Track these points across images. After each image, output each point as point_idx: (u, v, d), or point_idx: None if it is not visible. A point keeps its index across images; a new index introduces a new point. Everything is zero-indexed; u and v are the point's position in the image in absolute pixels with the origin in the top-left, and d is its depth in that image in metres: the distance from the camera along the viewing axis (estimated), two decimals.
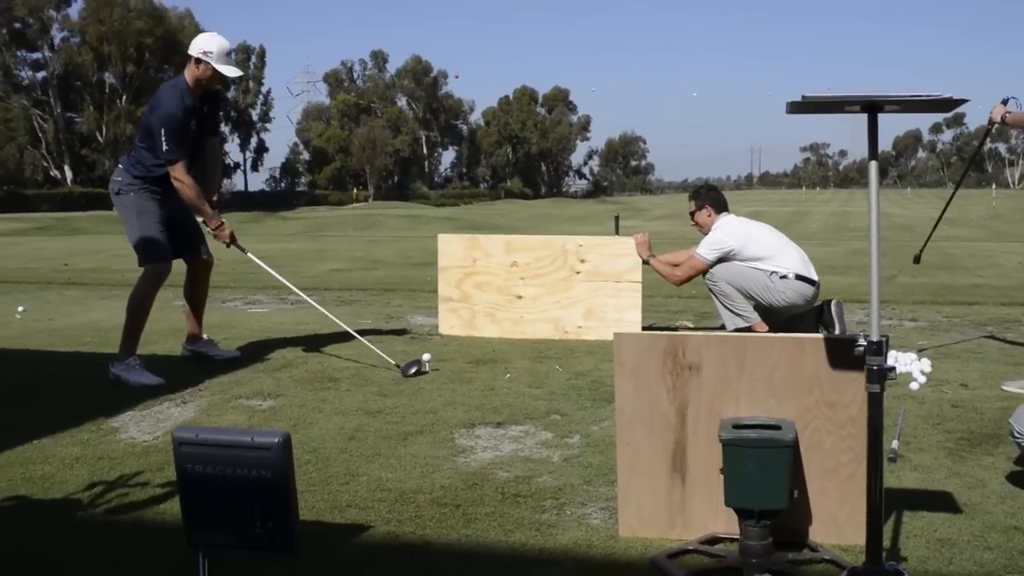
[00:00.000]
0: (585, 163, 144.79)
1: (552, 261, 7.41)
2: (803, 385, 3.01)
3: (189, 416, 5.02)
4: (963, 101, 2.25)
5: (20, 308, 9.16)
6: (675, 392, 3.10)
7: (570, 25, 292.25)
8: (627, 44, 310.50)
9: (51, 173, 72.85)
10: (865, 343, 2.48)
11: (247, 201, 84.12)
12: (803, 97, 2.29)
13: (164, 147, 5.95)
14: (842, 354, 2.91)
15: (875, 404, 2.48)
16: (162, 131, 5.96)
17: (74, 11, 73.91)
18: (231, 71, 6.21)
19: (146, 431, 4.74)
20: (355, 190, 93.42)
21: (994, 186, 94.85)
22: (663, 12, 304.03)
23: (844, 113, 2.41)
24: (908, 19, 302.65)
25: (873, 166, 2.38)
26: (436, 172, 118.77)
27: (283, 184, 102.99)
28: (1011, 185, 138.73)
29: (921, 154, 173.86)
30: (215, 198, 6.51)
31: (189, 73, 6.11)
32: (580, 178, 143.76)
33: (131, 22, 72.27)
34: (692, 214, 7.21)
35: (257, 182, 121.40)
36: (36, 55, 74.53)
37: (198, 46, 6.09)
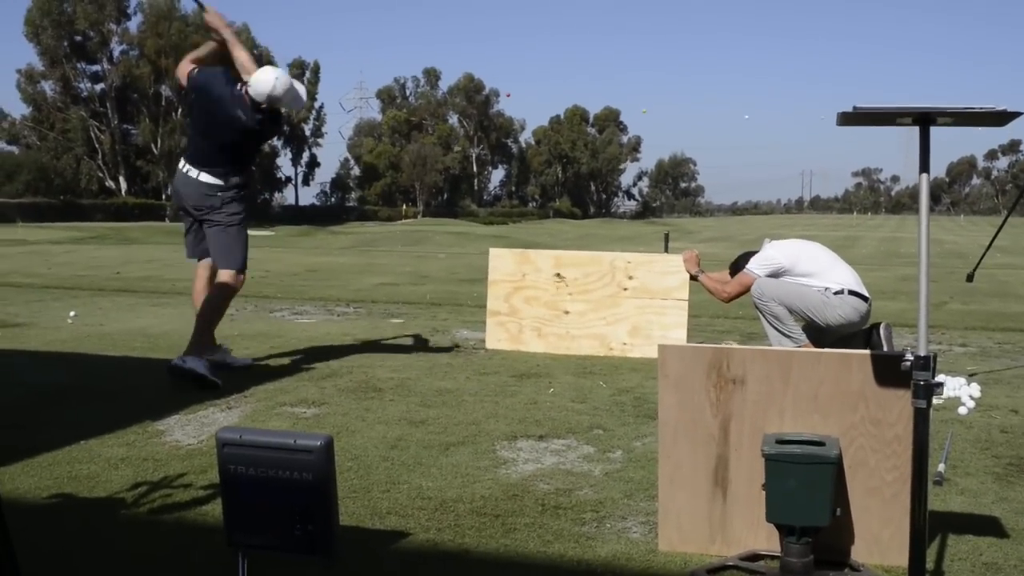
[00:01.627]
0: (635, 184, 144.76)
1: (600, 277, 7.41)
2: (848, 402, 2.98)
3: (233, 421, 5.06)
4: (1018, 114, 2.22)
5: (72, 313, 9.29)
6: (719, 406, 3.08)
7: (622, 45, 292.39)
8: (679, 65, 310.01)
9: (106, 184, 73.88)
10: (912, 358, 2.45)
11: (298, 215, 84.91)
12: (854, 108, 2.27)
13: None
14: (888, 371, 2.88)
15: (921, 420, 2.45)
16: None
17: (133, 24, 74.95)
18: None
19: (191, 435, 4.78)
20: (404, 206, 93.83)
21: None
22: (715, 34, 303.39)
23: (896, 125, 2.38)
24: (964, 49, 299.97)
25: (924, 179, 2.36)
26: (485, 190, 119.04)
27: (334, 199, 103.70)
28: None
29: (975, 181, 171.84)
30: None
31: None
32: (629, 199, 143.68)
33: (188, 36, 73.08)
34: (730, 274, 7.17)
35: (308, 196, 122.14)
36: (95, 67, 75.68)
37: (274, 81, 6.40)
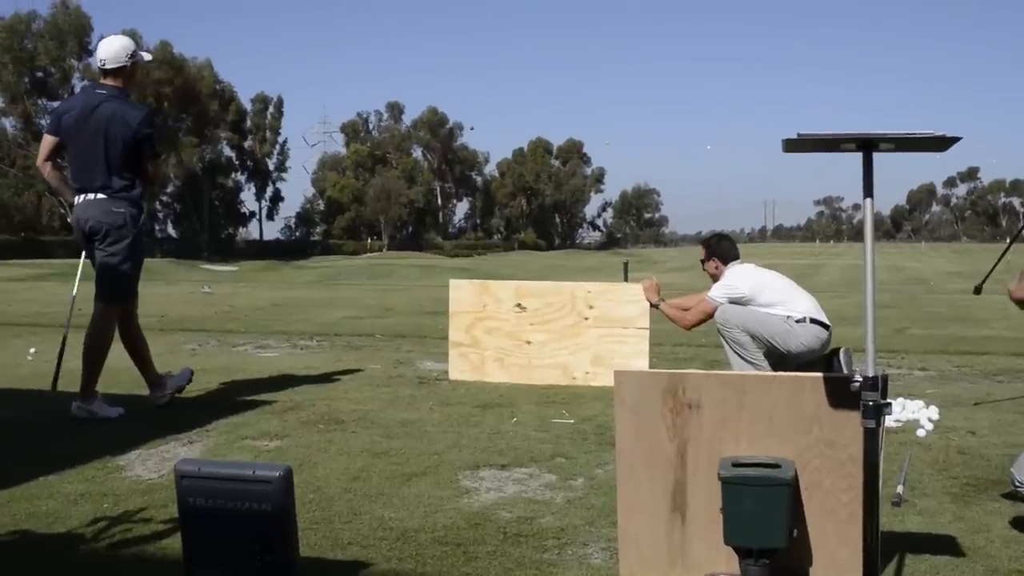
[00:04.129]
0: (599, 215, 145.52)
1: (561, 307, 7.44)
2: (802, 424, 3.02)
3: (195, 455, 5.04)
4: (956, 140, 2.28)
5: (32, 350, 9.22)
6: (675, 430, 3.11)
7: (585, 77, 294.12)
8: (642, 97, 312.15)
9: (68, 219, 73.27)
10: (860, 379, 2.49)
11: (262, 250, 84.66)
12: (798, 135, 2.32)
13: (157, 148, 6.27)
14: (841, 393, 2.92)
15: (871, 440, 2.49)
16: (154, 133, 6.22)
17: (95, 61, 74.68)
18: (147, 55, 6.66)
19: (152, 469, 4.76)
20: (369, 240, 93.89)
21: (1008, 241, 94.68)
22: (678, 63, 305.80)
23: (840, 151, 2.43)
24: (929, 73, 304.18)
25: (868, 204, 2.41)
26: (450, 223, 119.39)
27: (298, 233, 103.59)
28: None
29: (935, 208, 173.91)
30: None
31: (124, 81, 6.17)
32: (594, 230, 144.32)
33: (151, 72, 73.01)
34: (702, 261, 7.26)
35: (272, 231, 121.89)
36: (56, 103, 75.33)
37: (124, 51, 6.14)
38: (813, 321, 6.83)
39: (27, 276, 37.17)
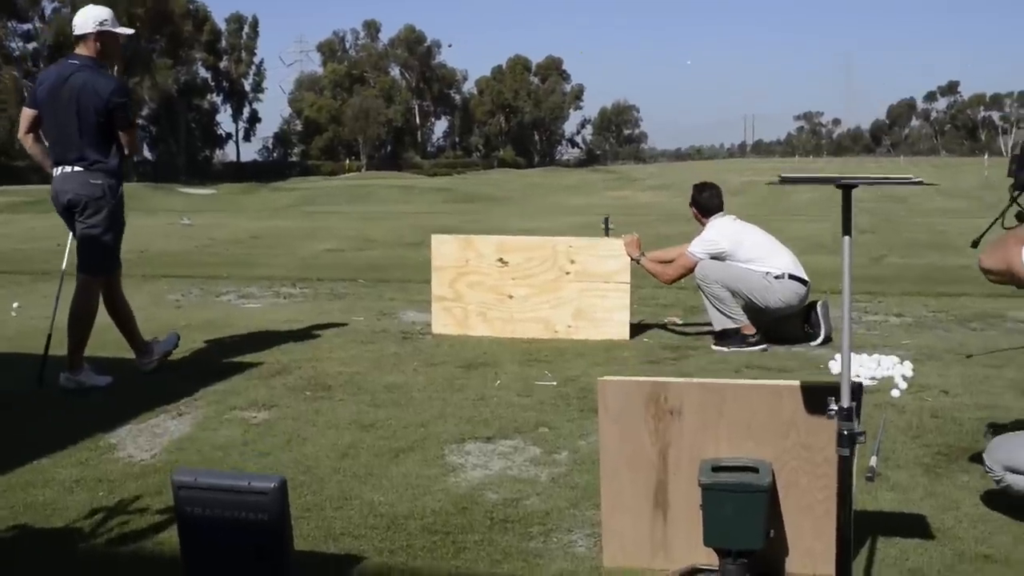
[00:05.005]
0: (578, 132, 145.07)
1: (542, 262, 7.52)
2: (780, 429, 3.12)
3: (184, 429, 5.13)
4: (931, 184, 2.35)
5: (15, 304, 9.24)
6: (657, 435, 3.21)
7: None
8: (621, 12, 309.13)
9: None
10: (836, 408, 2.58)
11: (239, 171, 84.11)
12: (780, 179, 2.39)
13: (131, 117, 6.22)
14: (816, 402, 3.02)
15: (845, 466, 2.59)
16: (127, 102, 6.19)
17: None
18: (126, 29, 6.52)
19: (143, 447, 4.85)
20: (348, 160, 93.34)
21: (987, 155, 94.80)
22: None
23: (822, 184, 2.50)
24: None
25: (846, 242, 2.48)
26: (429, 142, 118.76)
27: (276, 154, 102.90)
28: (1004, 153, 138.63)
29: (915, 122, 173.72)
30: None
31: (96, 51, 6.09)
32: (573, 147, 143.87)
33: None
34: (691, 204, 7.43)
35: (250, 152, 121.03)
36: (27, 26, 74.33)
37: (92, 20, 6.07)
38: (792, 277, 6.96)
39: (2, 206, 36.91)
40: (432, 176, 79.08)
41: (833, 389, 2.87)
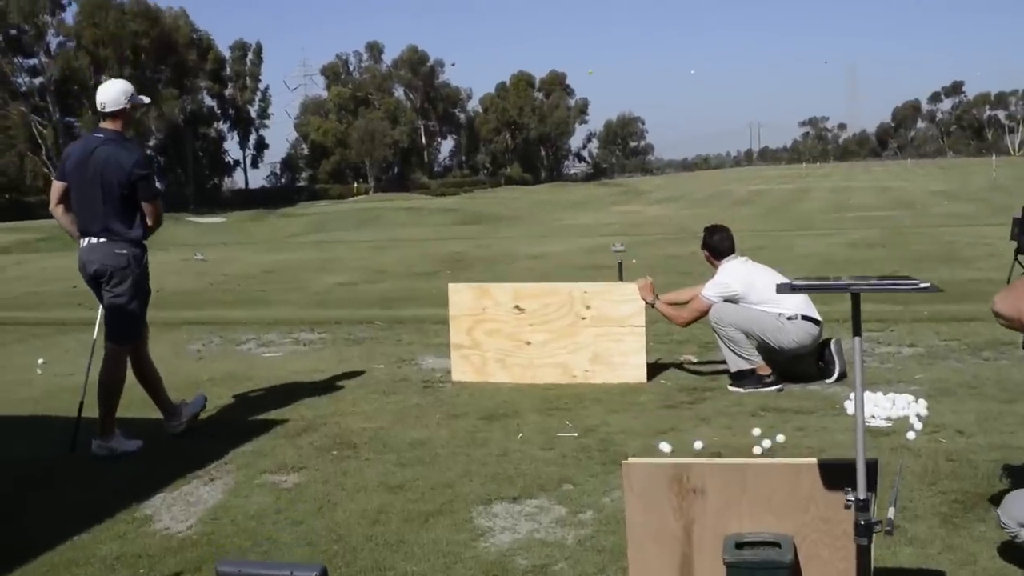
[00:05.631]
0: (584, 146, 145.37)
1: (558, 308, 7.64)
2: (800, 504, 3.23)
3: (218, 498, 5.25)
4: (938, 290, 2.46)
5: (40, 361, 9.38)
6: (681, 511, 3.32)
7: (565, 7, 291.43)
8: (622, 24, 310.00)
9: (51, 178, 73.09)
10: (853, 500, 2.70)
11: (248, 199, 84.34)
12: (792, 287, 2.51)
13: (157, 184, 6.41)
14: (834, 478, 3.13)
15: (863, 555, 2.70)
16: (151, 174, 6.35)
17: (69, 15, 73.96)
18: (145, 98, 6.66)
19: (179, 518, 4.97)
20: (355, 183, 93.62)
21: (994, 155, 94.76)
22: None
23: (832, 291, 2.62)
24: None
25: (857, 343, 2.60)
26: (436, 161, 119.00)
27: (284, 180, 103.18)
28: (1011, 152, 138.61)
29: (920, 124, 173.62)
30: None
31: (122, 124, 6.30)
32: (580, 161, 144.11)
33: (126, 24, 72.45)
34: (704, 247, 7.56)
35: (258, 179, 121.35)
36: (32, 61, 74.80)
37: (123, 94, 6.25)
38: (804, 317, 7.08)
39: (14, 244, 37.21)
40: (440, 196, 79.43)
41: (849, 468, 2.98)
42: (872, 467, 2.98)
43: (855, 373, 2.64)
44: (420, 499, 5.08)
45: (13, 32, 71.99)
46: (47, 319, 13.18)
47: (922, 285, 2.47)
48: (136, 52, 73.46)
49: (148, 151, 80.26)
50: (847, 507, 2.74)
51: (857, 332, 2.58)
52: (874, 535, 2.86)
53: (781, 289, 2.62)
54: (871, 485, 2.87)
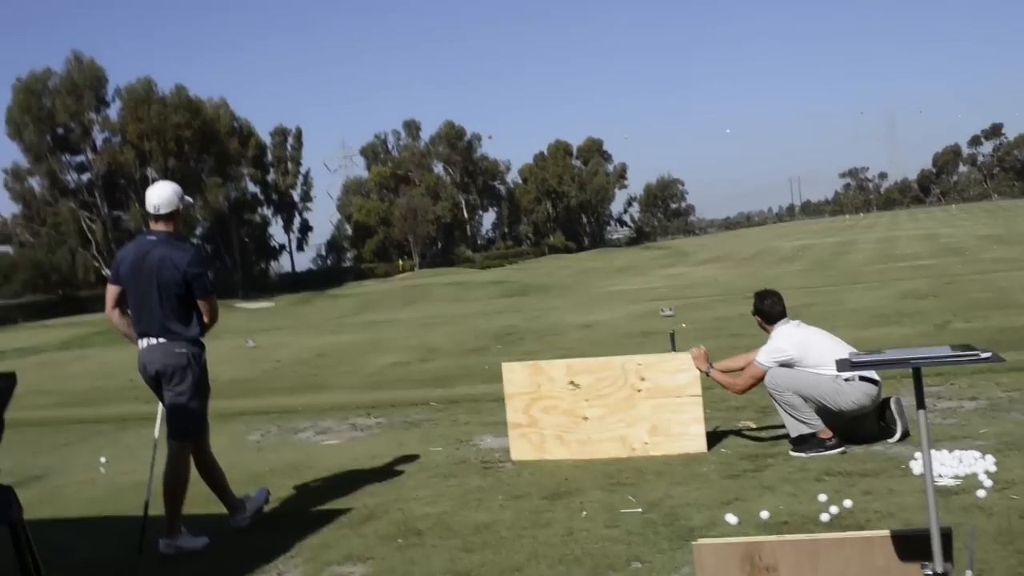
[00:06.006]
0: (625, 211, 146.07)
1: (613, 381, 7.64)
2: None
3: None
4: (999, 360, 2.46)
5: (103, 459, 9.49)
6: None
7: (596, 73, 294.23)
8: (655, 87, 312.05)
9: (103, 272, 74.28)
10: (931, 574, 2.68)
11: (295, 282, 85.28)
12: (852, 364, 2.52)
13: (209, 286, 6.37)
14: (909, 549, 3.11)
15: None
16: (206, 272, 6.39)
17: (113, 112, 75.74)
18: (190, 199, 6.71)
19: None
20: (400, 261, 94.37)
21: None
22: (687, 51, 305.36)
23: (892, 368, 2.62)
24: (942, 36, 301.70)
25: (922, 415, 2.59)
26: (479, 234, 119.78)
27: (329, 261, 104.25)
28: None
29: (962, 168, 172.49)
30: None
31: (174, 225, 6.43)
32: (622, 226, 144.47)
33: (168, 117, 73.97)
34: (756, 314, 7.52)
35: (304, 261, 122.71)
36: (80, 158, 76.51)
37: (176, 196, 6.41)
38: (862, 378, 7.02)
39: (72, 339, 37.79)
40: (485, 268, 79.77)
41: (923, 539, 2.96)
42: (947, 537, 2.96)
43: (922, 447, 2.63)
44: None
45: (60, 131, 73.76)
46: (108, 415, 13.35)
47: (983, 356, 2.47)
48: (179, 143, 74.90)
49: (195, 240, 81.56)
50: None
51: (921, 405, 2.58)
52: None
53: (841, 367, 2.62)
54: (947, 555, 2.84)
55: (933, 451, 6.15)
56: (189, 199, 6.67)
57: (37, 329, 47.35)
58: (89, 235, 74.77)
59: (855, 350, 7.14)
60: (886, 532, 3.21)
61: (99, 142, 76.28)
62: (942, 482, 5.98)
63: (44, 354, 30.73)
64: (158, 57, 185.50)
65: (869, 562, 3.22)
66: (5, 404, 2.46)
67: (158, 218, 6.39)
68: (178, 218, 6.45)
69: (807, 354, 7.11)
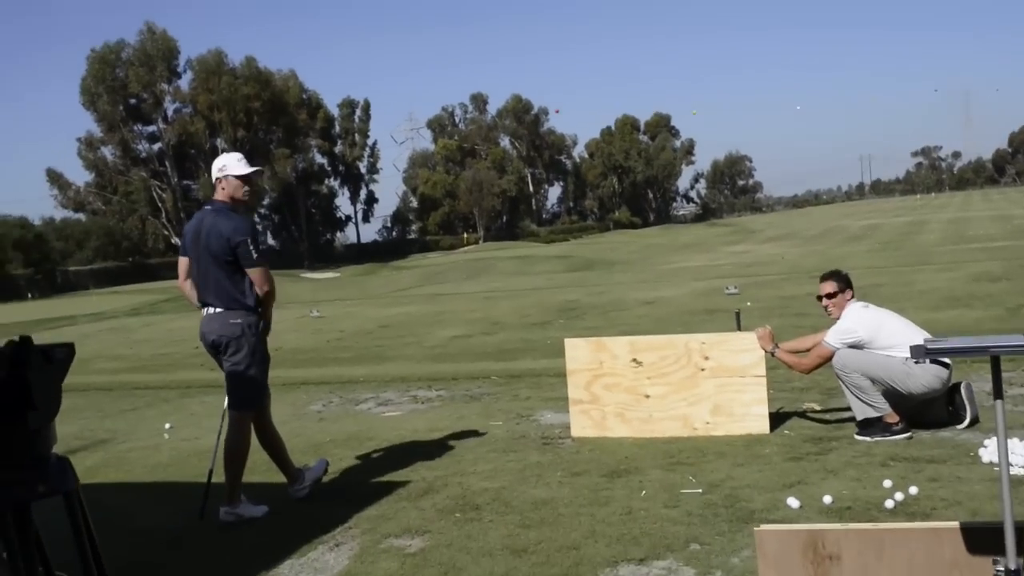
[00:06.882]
0: (692, 187, 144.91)
1: (676, 360, 7.55)
2: (942, 570, 3.12)
3: (344, 564, 5.27)
4: None
5: (167, 426, 9.61)
6: None
7: (665, 48, 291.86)
8: (725, 63, 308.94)
9: (172, 241, 75.43)
10: (1003, 569, 2.59)
11: (361, 253, 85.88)
12: (926, 350, 2.43)
13: (255, 255, 6.24)
14: (979, 543, 3.01)
15: None
16: (248, 240, 6.22)
17: (184, 82, 76.66)
18: (248, 168, 6.49)
19: None
20: (465, 234, 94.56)
21: None
22: (758, 28, 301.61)
23: (970, 355, 2.53)
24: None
25: (999, 406, 2.50)
26: (544, 208, 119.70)
27: (395, 233, 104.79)
28: None
29: None
30: None
31: (218, 194, 6.41)
32: (688, 202, 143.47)
33: (238, 88, 74.71)
34: (827, 296, 7.28)
35: (370, 233, 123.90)
36: (151, 128, 77.77)
37: (216, 169, 6.44)
38: (933, 361, 6.85)
39: (141, 305, 38.39)
40: (549, 243, 79.64)
41: (995, 532, 2.87)
42: (1021, 531, 2.86)
43: (999, 438, 2.54)
44: (546, 562, 5.03)
45: (133, 101, 74.84)
46: (174, 382, 13.53)
47: None
48: (248, 115, 75.63)
49: (262, 211, 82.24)
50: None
51: (999, 395, 2.49)
52: None
53: (915, 353, 2.54)
54: (1021, 550, 2.75)
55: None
56: (243, 170, 6.53)
57: (107, 295, 48.21)
58: (159, 204, 75.95)
59: (927, 333, 7.00)
60: (955, 524, 3.11)
61: (170, 112, 77.40)
62: (1014, 471, 5.83)
63: (114, 320, 31.22)
64: (229, 28, 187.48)
65: (936, 555, 3.13)
66: (63, 375, 2.44)
67: (214, 188, 6.44)
68: (230, 188, 6.40)
69: (877, 336, 6.96)
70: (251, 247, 6.26)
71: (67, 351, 2.47)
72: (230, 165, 6.45)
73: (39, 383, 2.34)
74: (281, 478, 6.74)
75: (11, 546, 2.37)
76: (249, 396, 6.41)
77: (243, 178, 6.44)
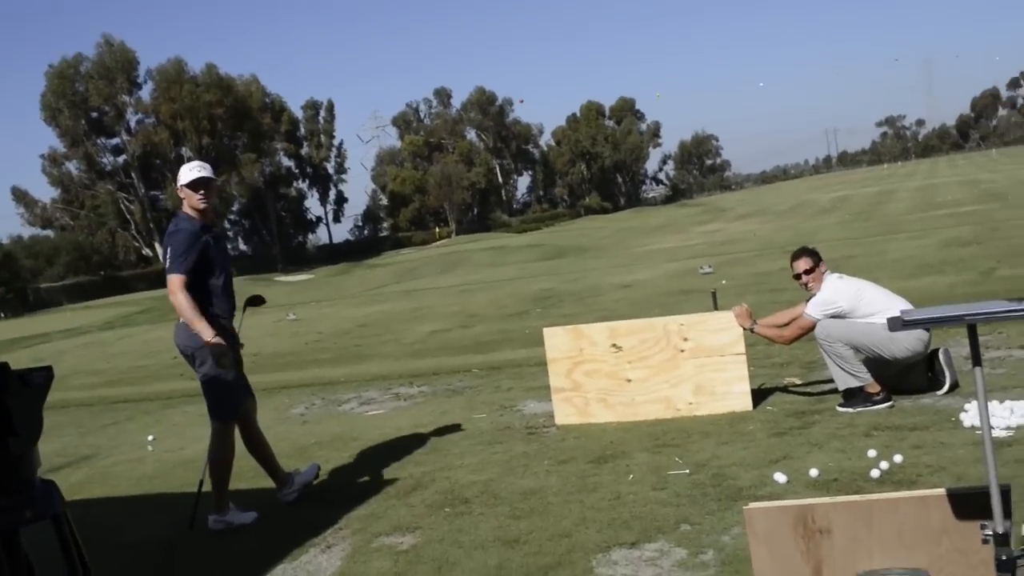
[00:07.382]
0: (660, 169, 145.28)
1: (656, 342, 7.57)
2: (932, 537, 3.14)
3: (336, 565, 5.27)
4: None
5: (150, 437, 9.57)
6: (809, 553, 3.25)
7: (627, 32, 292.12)
8: (686, 45, 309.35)
9: (143, 252, 75.07)
10: (991, 533, 2.61)
11: (333, 253, 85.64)
12: (903, 322, 2.45)
13: (168, 262, 6.02)
14: (966, 508, 3.04)
15: None
16: (169, 248, 6.04)
17: (145, 93, 76.18)
18: (193, 175, 6.22)
19: None
20: (437, 228, 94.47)
21: None
22: (716, 9, 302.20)
23: (947, 324, 2.54)
24: None
25: (978, 372, 2.52)
26: (514, 198, 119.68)
27: (366, 231, 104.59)
28: None
29: (1002, 111, 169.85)
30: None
31: (185, 206, 6.28)
32: (657, 184, 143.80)
33: (200, 96, 74.29)
34: (804, 273, 7.27)
35: (341, 232, 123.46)
36: (115, 140, 77.22)
37: (177, 179, 6.32)
38: None
39: (115, 318, 38.15)
40: (521, 233, 79.63)
41: (981, 496, 2.89)
42: (1006, 494, 2.88)
43: (979, 404, 2.56)
44: (539, 552, 5.04)
45: (95, 115, 74.32)
46: (153, 393, 13.46)
47: None
48: (212, 122, 75.25)
49: (232, 216, 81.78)
50: (985, 542, 2.65)
51: (977, 362, 2.51)
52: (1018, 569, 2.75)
53: (893, 325, 2.55)
54: (1007, 513, 2.77)
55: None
56: (183, 179, 6.30)
57: (81, 310, 47.83)
58: (128, 216, 75.52)
59: (905, 300, 7.04)
60: (942, 491, 3.14)
61: (133, 124, 76.98)
62: (994, 434, 5.88)
63: (89, 334, 31.03)
64: (188, 37, 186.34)
65: (925, 522, 3.15)
66: (43, 399, 2.42)
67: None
68: (187, 197, 6.25)
69: (858, 305, 6.99)
70: (168, 254, 6.08)
71: (45, 374, 2.46)
72: (181, 175, 6.31)
73: (19, 408, 2.32)
74: (269, 483, 6.72)
75: (1, 572, 2.35)
76: (222, 405, 6.34)
77: (190, 186, 6.23)
